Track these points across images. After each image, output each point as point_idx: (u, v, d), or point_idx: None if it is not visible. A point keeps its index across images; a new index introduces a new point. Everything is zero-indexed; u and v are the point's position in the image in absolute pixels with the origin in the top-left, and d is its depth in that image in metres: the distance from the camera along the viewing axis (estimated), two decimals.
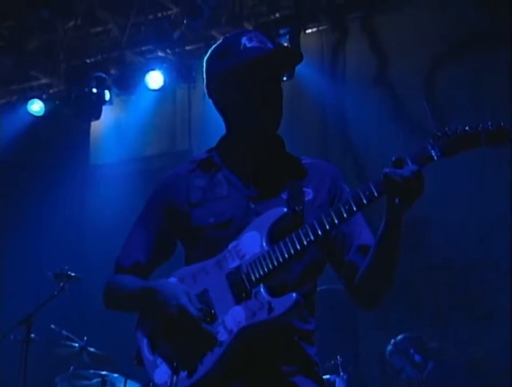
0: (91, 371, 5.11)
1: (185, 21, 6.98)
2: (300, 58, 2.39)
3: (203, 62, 8.04)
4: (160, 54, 7.21)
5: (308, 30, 6.85)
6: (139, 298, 2.34)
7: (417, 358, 5.43)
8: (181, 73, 7.21)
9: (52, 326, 5.26)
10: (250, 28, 6.78)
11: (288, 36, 6.51)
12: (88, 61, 7.39)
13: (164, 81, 7.15)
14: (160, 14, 7.05)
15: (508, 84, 5.88)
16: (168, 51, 7.16)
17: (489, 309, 5.95)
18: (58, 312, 5.35)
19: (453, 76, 6.36)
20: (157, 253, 2.46)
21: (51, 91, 7.77)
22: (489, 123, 2.06)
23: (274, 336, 2.23)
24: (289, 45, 6.38)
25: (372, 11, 6.69)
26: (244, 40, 2.36)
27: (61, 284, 5.06)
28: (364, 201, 2.16)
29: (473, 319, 5.98)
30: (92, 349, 5.23)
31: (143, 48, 7.24)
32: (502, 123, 2.06)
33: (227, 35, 2.47)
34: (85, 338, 5.23)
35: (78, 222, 7.60)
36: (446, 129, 2.12)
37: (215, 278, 2.27)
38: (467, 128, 2.08)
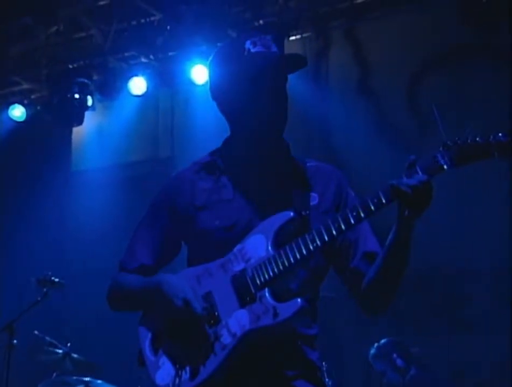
0: (74, 377, 5.15)
1: (168, 27, 7.15)
2: (304, 62, 2.44)
3: (185, 68, 8.18)
4: (143, 59, 7.34)
5: (292, 38, 7.00)
6: (144, 292, 2.40)
7: (400, 362, 5.49)
8: (164, 79, 7.35)
9: (36, 332, 5.33)
10: (234, 35, 6.98)
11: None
12: (70, 66, 7.49)
13: (147, 87, 7.28)
14: (143, 20, 7.15)
15: (490, 95, 6.08)
16: (151, 57, 7.29)
17: (470, 318, 6.06)
18: (41, 318, 5.45)
19: (435, 86, 6.55)
20: (162, 255, 2.52)
21: (33, 96, 7.87)
22: (500, 134, 2.09)
23: (277, 341, 2.27)
24: None
25: (355, 20, 6.86)
26: (248, 44, 2.40)
27: (44, 290, 5.15)
28: (372, 208, 2.19)
29: (454, 327, 6.09)
30: (75, 356, 5.29)
31: (126, 54, 7.37)
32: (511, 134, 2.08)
33: (232, 38, 2.52)
34: (69, 344, 5.30)
35: (58, 229, 7.69)
36: (457, 138, 2.15)
37: (220, 281, 2.31)
38: (478, 138, 2.12)
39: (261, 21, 6.88)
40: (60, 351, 5.29)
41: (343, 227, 2.21)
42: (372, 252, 2.37)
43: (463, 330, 6.06)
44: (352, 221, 2.21)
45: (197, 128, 7.35)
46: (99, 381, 5.14)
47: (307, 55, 7.12)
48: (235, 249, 2.33)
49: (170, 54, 7.24)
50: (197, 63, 7.03)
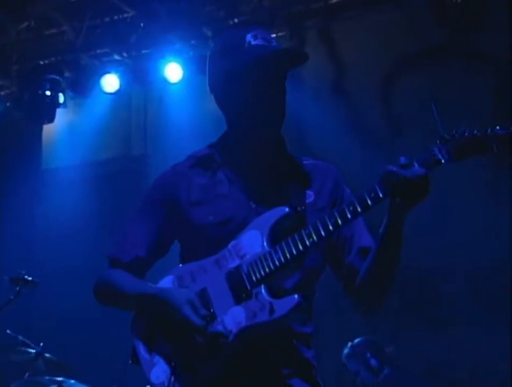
0: (47, 377, 5.15)
1: (142, 25, 7.21)
2: (305, 58, 2.43)
3: (159, 66, 8.23)
4: (116, 57, 7.37)
5: None
6: (139, 303, 2.38)
7: (373, 362, 5.57)
8: (137, 77, 7.38)
9: (8, 331, 5.33)
10: (209, 33, 7.09)
11: None
12: (41, 63, 7.49)
13: (120, 85, 7.32)
14: (116, 17, 7.17)
15: (464, 95, 6.24)
16: (124, 54, 7.31)
17: (445, 317, 6.18)
18: (14, 317, 5.44)
19: (409, 86, 6.69)
20: (157, 249, 2.50)
21: (2, 93, 7.86)
22: (498, 128, 2.11)
23: (273, 338, 2.28)
24: None
25: (330, 19, 6.98)
26: (249, 37, 2.40)
27: (17, 288, 5.17)
28: (369, 203, 2.19)
29: (429, 326, 6.19)
30: (48, 355, 5.30)
31: (98, 51, 7.39)
32: (510, 128, 2.10)
33: (231, 29, 2.59)
34: (42, 344, 5.30)
35: (29, 228, 7.72)
36: (454, 132, 2.15)
37: (214, 277, 2.31)
38: (475, 132, 2.12)
39: (235, 20, 6.94)
40: (33, 350, 5.29)
41: (340, 222, 2.22)
42: (367, 248, 2.38)
43: (438, 329, 6.16)
44: (349, 216, 2.21)
45: (170, 126, 7.44)
46: (72, 381, 5.15)
47: None
48: (229, 245, 2.34)
49: (143, 51, 7.27)
50: (170, 61, 7.09)
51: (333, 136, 6.64)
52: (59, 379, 5.17)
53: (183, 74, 7.15)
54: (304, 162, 2.51)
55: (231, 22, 7.02)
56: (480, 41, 6.34)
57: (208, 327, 2.24)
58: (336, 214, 2.24)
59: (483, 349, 5.97)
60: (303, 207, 2.35)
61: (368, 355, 5.64)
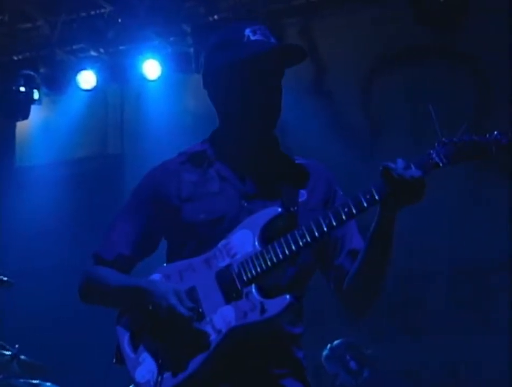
0: (22, 380, 5.09)
1: (119, 20, 7.20)
2: (304, 55, 2.42)
3: (137, 63, 8.22)
4: (93, 53, 7.32)
5: None
6: (124, 296, 2.36)
7: (353, 365, 5.57)
8: (114, 73, 7.35)
9: None
10: (188, 29, 7.09)
11: None
12: (16, 58, 7.42)
13: (97, 81, 7.26)
14: (92, 12, 7.12)
15: (446, 95, 6.31)
16: (101, 50, 7.28)
17: (426, 321, 6.24)
18: None
19: (390, 85, 6.75)
20: (142, 248, 2.48)
21: None
22: (496, 133, 2.14)
23: (263, 338, 2.27)
24: None
25: (310, 17, 7.03)
26: (248, 31, 2.38)
27: None
28: (365, 205, 2.19)
29: (409, 329, 6.26)
30: (24, 357, 5.21)
31: (74, 47, 7.33)
32: (509, 134, 2.13)
33: (230, 24, 2.53)
34: (17, 346, 5.21)
35: (2, 227, 7.67)
36: (452, 136, 2.16)
37: (204, 276, 2.30)
38: (474, 137, 2.15)
39: (215, 16, 6.95)
40: (8, 353, 5.20)
41: (334, 223, 2.21)
42: (357, 250, 2.37)
43: (419, 332, 6.22)
44: (344, 217, 2.21)
45: (148, 124, 7.42)
46: (48, 384, 5.10)
47: None
48: (220, 244, 2.33)
49: (121, 47, 7.24)
50: (148, 58, 7.05)
51: (313, 135, 6.66)
52: (35, 381, 5.12)
53: (162, 72, 7.12)
54: (297, 161, 2.50)
55: (211, 19, 7.03)
56: (461, 40, 6.40)
57: (194, 320, 2.23)
58: (330, 215, 2.23)
59: (464, 351, 6.03)
60: (295, 207, 2.35)
61: (348, 357, 5.64)
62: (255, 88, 2.36)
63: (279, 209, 2.32)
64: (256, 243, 2.29)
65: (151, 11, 6.91)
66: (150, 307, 2.27)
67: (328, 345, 5.71)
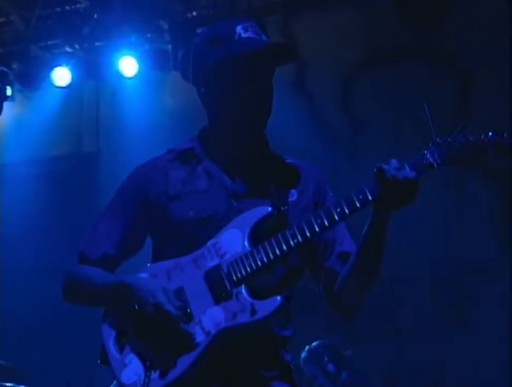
0: None
1: (95, 16, 7.16)
2: (295, 55, 2.46)
3: (113, 59, 8.20)
4: (68, 49, 7.23)
5: None
6: (109, 293, 2.33)
7: (330, 367, 5.52)
8: (90, 70, 7.27)
9: None
10: (165, 26, 7.04)
11: None
12: None
13: (72, 78, 7.19)
14: (68, 7, 7.03)
15: (427, 95, 6.36)
16: (76, 46, 7.19)
17: (408, 324, 6.24)
18: None
19: (371, 85, 6.77)
20: (128, 246, 2.45)
21: None
22: (490, 134, 2.13)
23: (253, 340, 2.25)
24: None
25: (292, 15, 7.04)
26: (239, 28, 2.37)
27: None
28: (358, 205, 2.18)
29: (389, 332, 6.25)
30: None
31: (49, 42, 7.25)
32: (505, 135, 2.13)
33: (220, 21, 2.49)
34: None
35: None
36: (447, 136, 2.16)
37: (192, 276, 2.28)
38: (470, 137, 2.14)
39: (193, 13, 6.92)
40: None
41: (326, 223, 2.21)
42: (348, 252, 2.36)
43: (399, 334, 6.21)
44: (336, 218, 2.20)
45: (124, 123, 7.37)
46: None
47: None
48: (208, 243, 2.31)
49: (96, 43, 7.16)
50: (125, 55, 7.00)
51: (293, 135, 6.66)
52: (9, 385, 5.07)
53: (138, 69, 7.07)
54: (287, 161, 2.50)
55: (189, 16, 7.01)
56: (444, 40, 6.44)
57: (182, 320, 2.21)
58: (322, 214, 2.22)
59: (445, 354, 6.07)
60: (286, 207, 2.33)
61: (326, 359, 5.61)
62: (246, 86, 2.36)
63: (270, 209, 2.31)
64: (246, 243, 2.28)
65: (128, 7, 6.86)
66: (137, 305, 2.24)
67: (307, 347, 5.70)
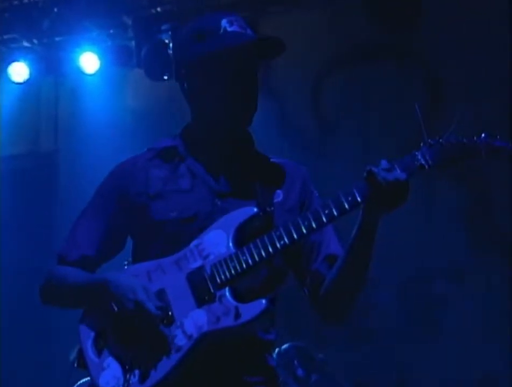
0: None
1: (56, 10, 7.09)
2: (283, 47, 2.43)
3: (73, 55, 8.14)
4: (25, 43, 7.08)
5: None
6: (87, 290, 2.30)
7: (300, 372, 5.51)
8: (49, 66, 7.15)
9: None
10: (129, 22, 6.97)
11: (170, 33, 6.68)
12: None
13: (30, 74, 7.06)
14: (26, 0, 6.98)
15: (396, 96, 6.41)
16: (35, 41, 7.06)
17: (374, 328, 6.29)
18: None
19: (340, 85, 6.79)
20: (108, 247, 2.43)
21: None
22: (483, 135, 2.14)
23: (236, 345, 2.23)
24: (171, 43, 6.72)
25: (259, 13, 7.05)
26: (224, 22, 2.36)
27: None
28: (346, 207, 2.17)
29: (357, 337, 6.28)
30: None
31: (5, 37, 7.09)
32: (498, 137, 2.14)
33: (205, 14, 2.45)
34: None
35: None
36: (438, 137, 2.17)
37: (174, 278, 2.25)
38: (464, 140, 2.15)
39: (158, 9, 6.84)
40: None
41: (314, 225, 2.21)
42: (334, 255, 2.35)
43: (365, 339, 6.26)
44: (324, 220, 2.21)
45: (84, 120, 7.28)
46: None
47: None
48: (191, 244, 2.30)
49: (56, 38, 7.03)
50: (86, 50, 6.89)
51: (260, 136, 6.68)
52: None
53: (100, 65, 6.95)
54: (272, 160, 2.49)
55: (154, 12, 6.97)
56: (414, 42, 6.50)
57: (162, 320, 2.20)
58: (310, 216, 2.21)
59: (414, 358, 6.11)
60: (272, 208, 2.32)
61: (296, 363, 5.59)
62: (230, 82, 2.34)
63: (255, 209, 2.30)
64: (230, 244, 2.27)
65: (90, 1, 6.82)
66: (116, 302, 2.21)
67: (276, 350, 5.68)
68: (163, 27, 6.80)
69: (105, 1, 6.86)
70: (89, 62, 7.00)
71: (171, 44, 6.76)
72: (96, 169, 7.00)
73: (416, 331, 6.15)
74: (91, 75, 7.08)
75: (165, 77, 6.76)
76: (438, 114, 5.98)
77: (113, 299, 2.25)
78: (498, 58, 5.98)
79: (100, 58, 7.01)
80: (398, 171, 2.17)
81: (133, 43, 6.97)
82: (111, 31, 7.05)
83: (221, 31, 2.36)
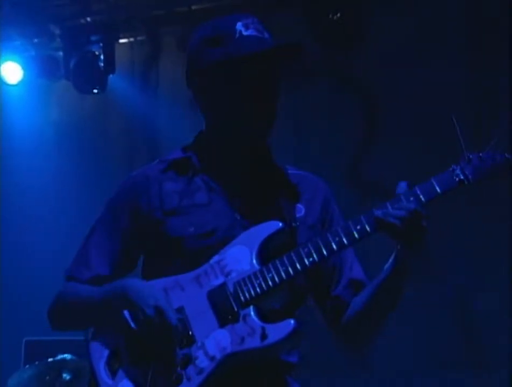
0: None
1: None
2: (304, 52, 2.31)
3: None
4: None
5: (122, 40, 7.01)
6: (103, 300, 2.21)
7: None
8: None
9: None
10: (56, 31, 6.91)
11: (100, 45, 6.66)
12: None
13: None
14: None
15: (333, 118, 6.50)
16: None
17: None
18: None
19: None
20: (122, 265, 2.35)
21: None
22: None
23: (258, 367, 2.16)
24: (102, 55, 6.69)
25: (192, 26, 7.02)
26: (239, 26, 2.28)
27: None
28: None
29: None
30: None
31: None
32: None
33: (219, 18, 2.33)
34: None
35: None
36: (479, 152, 2.11)
37: (193, 295, 2.19)
38: (506, 155, 2.09)
39: (88, 19, 6.77)
40: None
41: (345, 241, 2.15)
42: (358, 281, 2.31)
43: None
44: (356, 236, 2.14)
45: (5, 133, 7.17)
46: None
47: (135, 60, 7.24)
48: (211, 260, 2.23)
49: None
50: (8, 59, 6.79)
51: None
52: None
53: (23, 76, 6.87)
54: (290, 172, 2.42)
55: (83, 21, 6.91)
56: (354, 65, 6.59)
57: (182, 339, 2.15)
58: (340, 232, 2.16)
59: None
60: (297, 223, 2.27)
61: None
62: (248, 90, 2.25)
63: (281, 224, 2.23)
64: (254, 261, 2.21)
65: (13, 8, 6.71)
66: (133, 311, 2.15)
67: None
68: (93, 38, 6.76)
69: (29, 8, 6.77)
70: (11, 71, 6.90)
71: (101, 57, 6.72)
72: (20, 181, 6.92)
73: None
74: (13, 86, 6.98)
75: (95, 91, 6.72)
76: (373, 137, 6.12)
77: (131, 305, 2.17)
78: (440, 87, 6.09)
79: (23, 68, 6.92)
80: (421, 196, 2.12)
81: (60, 53, 6.90)
82: (36, 40, 6.97)
83: (237, 35, 2.28)
